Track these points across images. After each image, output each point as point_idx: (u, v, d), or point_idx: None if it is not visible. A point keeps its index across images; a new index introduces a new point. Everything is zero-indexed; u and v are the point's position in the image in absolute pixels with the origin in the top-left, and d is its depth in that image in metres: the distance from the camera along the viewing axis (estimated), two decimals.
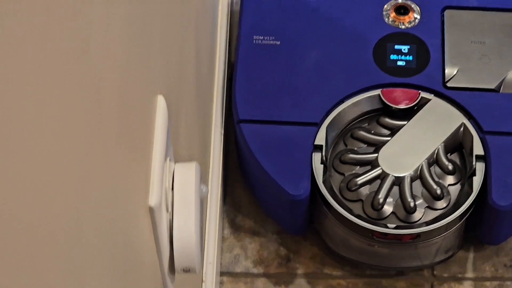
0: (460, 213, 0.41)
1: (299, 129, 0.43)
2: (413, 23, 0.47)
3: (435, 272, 0.42)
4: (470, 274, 0.42)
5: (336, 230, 0.43)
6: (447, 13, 0.47)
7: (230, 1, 0.50)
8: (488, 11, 0.47)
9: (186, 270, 0.26)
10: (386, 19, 0.48)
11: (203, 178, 0.38)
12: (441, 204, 0.42)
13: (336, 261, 0.42)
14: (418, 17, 0.48)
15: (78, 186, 0.16)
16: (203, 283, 0.38)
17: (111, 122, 0.19)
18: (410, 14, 0.47)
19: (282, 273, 0.42)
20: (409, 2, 0.48)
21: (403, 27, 0.47)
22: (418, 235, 0.41)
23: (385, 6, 0.48)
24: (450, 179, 0.43)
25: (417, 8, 0.48)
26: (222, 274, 0.41)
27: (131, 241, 0.23)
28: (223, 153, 0.45)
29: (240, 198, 0.44)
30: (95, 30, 0.17)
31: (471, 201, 0.41)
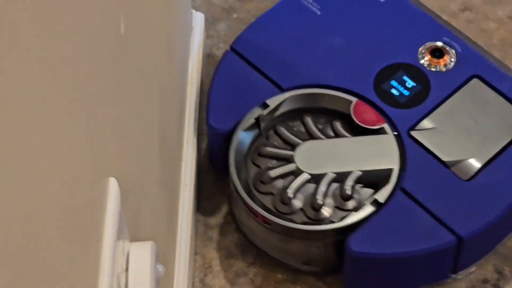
0: (330, 228, 0.40)
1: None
2: (448, 67, 0.46)
3: None
4: None
5: (247, 221, 0.43)
6: (473, 81, 0.45)
7: (199, 79, 0.51)
8: (506, 100, 0.45)
9: None
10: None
11: (166, 255, 0.38)
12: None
13: None
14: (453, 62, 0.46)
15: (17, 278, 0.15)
16: None
17: (52, 211, 0.19)
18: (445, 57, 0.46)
19: None
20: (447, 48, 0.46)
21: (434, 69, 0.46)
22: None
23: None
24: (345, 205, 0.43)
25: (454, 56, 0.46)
26: None
27: None
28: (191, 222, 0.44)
29: (210, 259, 0.44)
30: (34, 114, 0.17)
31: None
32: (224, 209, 0.46)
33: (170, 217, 0.40)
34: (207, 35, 0.54)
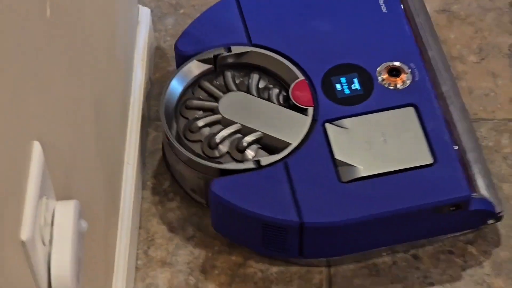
0: (213, 166, 0.45)
1: None
2: (396, 88, 0.49)
3: None
4: None
5: (180, 168, 0.47)
6: (408, 108, 0.48)
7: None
8: (424, 136, 0.47)
9: None
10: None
11: (108, 228, 0.40)
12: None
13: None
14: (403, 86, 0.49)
15: None
16: None
17: None
18: (400, 78, 0.49)
19: None
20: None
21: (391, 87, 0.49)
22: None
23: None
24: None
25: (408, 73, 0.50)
26: None
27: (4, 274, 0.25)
28: (135, 187, 0.47)
29: (154, 231, 0.47)
30: None
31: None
32: (167, 188, 0.49)
33: (112, 192, 0.43)
34: (155, 29, 0.57)
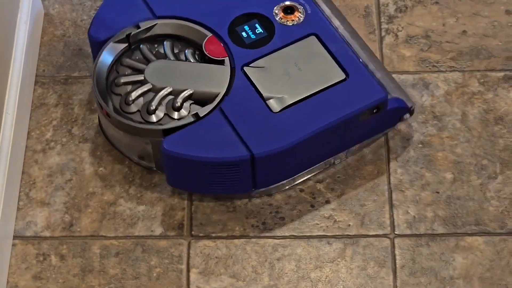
0: (153, 128, 0.50)
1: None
2: (294, 23, 0.54)
3: (192, 232, 0.51)
4: (223, 233, 0.51)
5: (125, 140, 0.52)
6: (310, 38, 0.54)
7: None
8: (331, 58, 0.53)
9: None
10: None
11: None
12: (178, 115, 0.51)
13: (111, 227, 0.51)
14: (299, 20, 0.54)
15: None
16: None
17: None
18: (295, 14, 0.54)
19: (65, 236, 0.51)
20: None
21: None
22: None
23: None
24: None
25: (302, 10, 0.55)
26: (14, 238, 0.50)
27: None
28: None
29: (35, 176, 0.53)
30: None
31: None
32: (49, 137, 0.55)
33: None
34: None
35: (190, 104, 0.51)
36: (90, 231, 0.50)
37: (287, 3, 0.55)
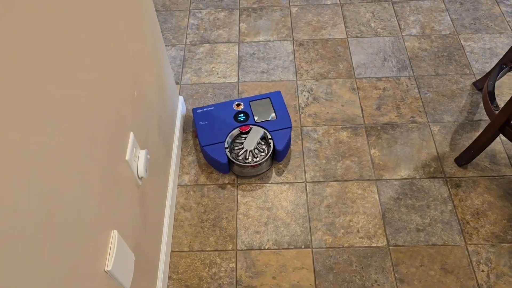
0: (268, 155, 1.41)
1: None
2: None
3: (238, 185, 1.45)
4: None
5: (239, 170, 1.38)
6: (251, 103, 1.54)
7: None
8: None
9: None
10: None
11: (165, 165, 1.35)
12: (265, 154, 1.40)
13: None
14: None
15: None
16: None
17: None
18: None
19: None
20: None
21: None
22: (258, 163, 1.41)
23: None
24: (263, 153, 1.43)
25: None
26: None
27: None
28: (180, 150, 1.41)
29: (184, 164, 1.41)
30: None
31: (271, 150, 1.39)
32: (189, 160, 1.44)
33: (167, 150, 1.37)
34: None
35: (260, 144, 1.41)
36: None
37: (235, 103, 1.49)
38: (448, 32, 1.73)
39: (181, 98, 1.50)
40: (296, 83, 1.60)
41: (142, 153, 1.00)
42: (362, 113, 1.51)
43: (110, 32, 0.82)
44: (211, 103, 1.54)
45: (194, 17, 1.84)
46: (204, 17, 1.84)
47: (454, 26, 1.74)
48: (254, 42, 1.73)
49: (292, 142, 1.45)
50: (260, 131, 1.35)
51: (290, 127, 1.38)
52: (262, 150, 1.33)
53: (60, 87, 0.60)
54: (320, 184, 1.35)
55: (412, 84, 1.58)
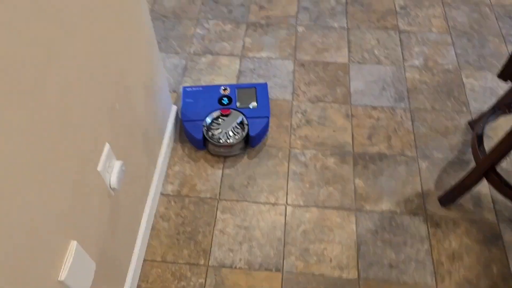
0: (240, 138, 1.45)
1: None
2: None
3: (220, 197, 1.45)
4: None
5: (212, 148, 1.44)
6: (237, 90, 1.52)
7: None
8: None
9: None
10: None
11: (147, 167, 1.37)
12: (239, 138, 1.44)
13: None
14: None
15: None
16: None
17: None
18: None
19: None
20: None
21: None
22: (231, 145, 1.44)
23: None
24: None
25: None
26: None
27: None
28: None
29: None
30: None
31: (245, 134, 1.43)
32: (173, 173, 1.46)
33: (151, 161, 1.39)
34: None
35: (237, 127, 1.43)
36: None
37: (222, 88, 1.50)
38: (451, 67, 1.71)
39: (174, 108, 1.52)
40: (292, 103, 1.61)
41: (118, 164, 1.02)
42: (353, 141, 1.51)
43: (89, 41, 0.83)
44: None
45: (201, 27, 1.86)
46: (211, 28, 1.86)
47: (457, 62, 1.73)
48: (256, 57, 1.74)
49: (278, 162, 1.45)
50: (239, 116, 1.44)
51: (267, 117, 1.44)
52: (236, 133, 1.42)
53: (26, 93, 0.62)
54: (300, 208, 1.36)
55: (406, 117, 1.57)
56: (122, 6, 0.97)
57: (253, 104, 1.47)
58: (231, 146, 1.41)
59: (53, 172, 0.72)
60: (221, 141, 1.41)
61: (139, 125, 1.18)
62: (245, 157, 1.47)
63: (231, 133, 1.42)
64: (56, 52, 0.70)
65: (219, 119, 1.45)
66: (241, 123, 1.44)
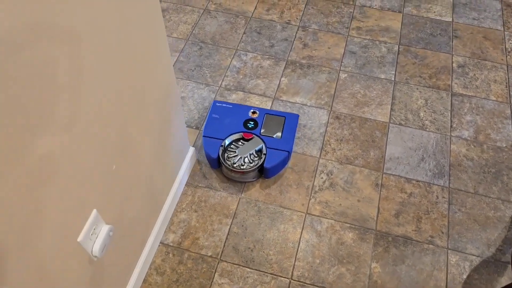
0: (255, 167, 1.35)
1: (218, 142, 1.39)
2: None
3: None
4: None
5: (225, 170, 1.37)
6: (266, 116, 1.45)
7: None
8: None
9: None
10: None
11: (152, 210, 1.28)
12: (253, 166, 1.36)
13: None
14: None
15: None
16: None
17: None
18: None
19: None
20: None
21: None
22: (243, 171, 1.36)
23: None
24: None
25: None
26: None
27: None
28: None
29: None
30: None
31: (259, 164, 1.36)
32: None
33: (154, 209, 1.30)
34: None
35: (253, 154, 1.38)
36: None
37: (251, 111, 1.47)
38: (505, 145, 1.52)
39: (192, 150, 1.43)
40: (318, 161, 1.48)
41: (104, 230, 0.94)
42: (377, 216, 1.36)
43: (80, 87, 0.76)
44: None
45: (238, 59, 1.76)
46: (248, 61, 1.76)
47: None
48: (289, 102, 1.62)
49: (291, 228, 1.33)
50: (260, 144, 1.39)
51: (289, 152, 1.39)
52: (252, 161, 1.37)
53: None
54: (304, 287, 1.23)
55: (443, 197, 1.40)
56: (136, 46, 0.88)
57: (278, 134, 1.42)
58: (243, 172, 1.36)
59: (27, 241, 0.65)
60: (235, 165, 1.36)
61: (142, 179, 1.09)
62: (257, 217, 1.36)
63: (246, 160, 1.37)
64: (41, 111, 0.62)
65: (239, 142, 1.41)
66: (260, 151, 1.39)
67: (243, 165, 1.36)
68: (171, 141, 1.22)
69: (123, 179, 0.98)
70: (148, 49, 0.94)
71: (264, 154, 1.37)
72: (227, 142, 1.40)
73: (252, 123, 1.44)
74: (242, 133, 1.41)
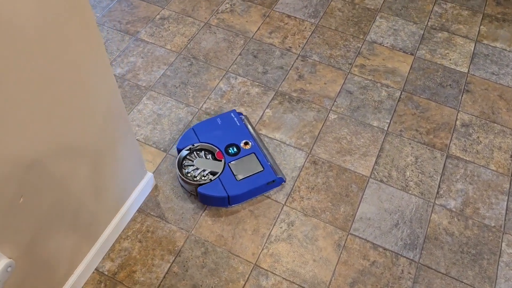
0: (196, 183, 1.33)
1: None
2: (250, 146, 1.40)
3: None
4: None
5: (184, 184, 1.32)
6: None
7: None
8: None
9: None
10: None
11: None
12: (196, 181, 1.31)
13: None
14: (250, 146, 1.36)
15: None
16: None
17: None
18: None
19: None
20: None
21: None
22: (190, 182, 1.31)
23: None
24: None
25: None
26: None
27: None
28: None
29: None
30: None
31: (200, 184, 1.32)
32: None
33: (87, 238, 1.22)
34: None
35: (208, 174, 1.33)
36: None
37: (246, 140, 1.39)
38: (493, 224, 1.36)
39: (149, 176, 1.35)
40: (282, 208, 1.36)
41: (1, 265, 0.87)
42: (331, 281, 1.24)
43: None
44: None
45: (227, 82, 1.67)
46: (236, 85, 1.66)
47: (505, 220, 1.37)
48: (268, 137, 1.51)
49: (234, 278, 1.23)
50: (218, 170, 1.34)
51: (228, 196, 1.32)
52: (205, 177, 1.34)
53: None
54: None
55: (409, 273, 1.26)
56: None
57: (240, 176, 1.34)
58: (191, 184, 1.33)
59: None
60: (189, 175, 1.35)
61: (69, 210, 1.02)
62: (201, 258, 1.27)
63: (202, 174, 1.35)
64: None
65: (208, 155, 1.39)
66: (215, 174, 1.35)
67: (196, 177, 1.34)
68: (116, 168, 1.14)
69: (36, 211, 0.91)
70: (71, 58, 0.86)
71: (210, 180, 1.32)
72: (198, 146, 1.40)
73: (235, 149, 1.38)
74: (217, 150, 1.37)
